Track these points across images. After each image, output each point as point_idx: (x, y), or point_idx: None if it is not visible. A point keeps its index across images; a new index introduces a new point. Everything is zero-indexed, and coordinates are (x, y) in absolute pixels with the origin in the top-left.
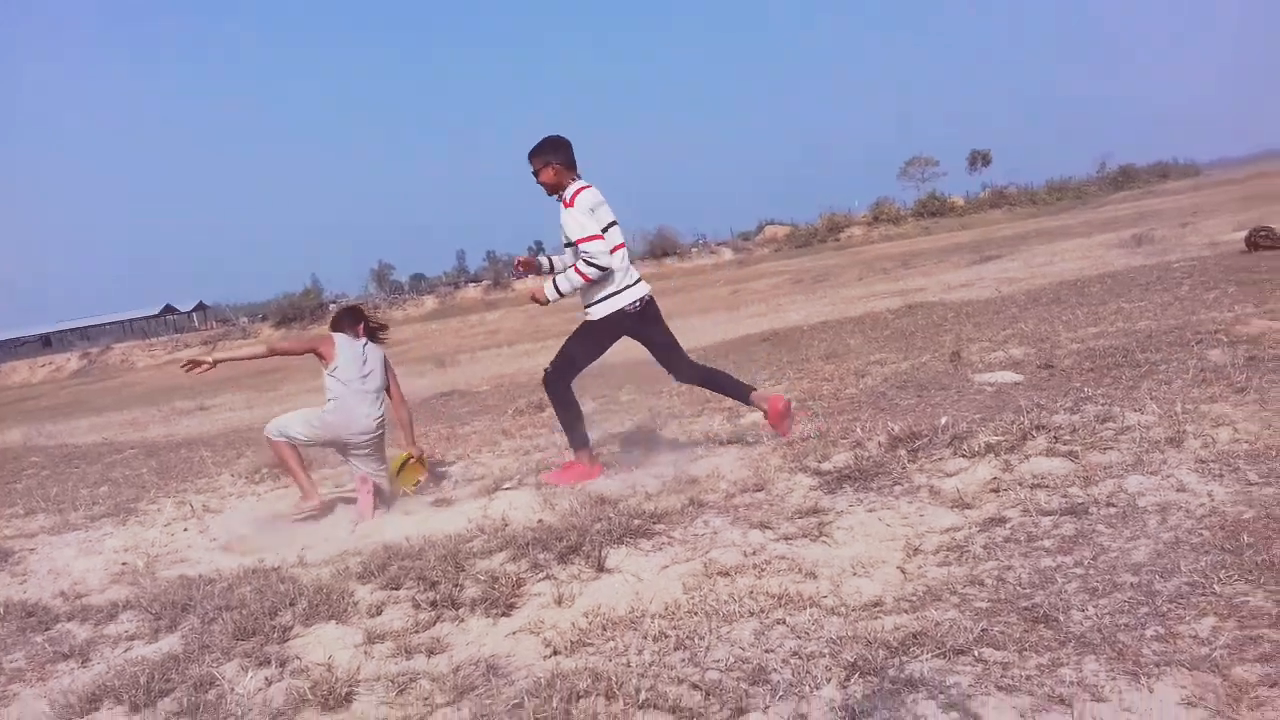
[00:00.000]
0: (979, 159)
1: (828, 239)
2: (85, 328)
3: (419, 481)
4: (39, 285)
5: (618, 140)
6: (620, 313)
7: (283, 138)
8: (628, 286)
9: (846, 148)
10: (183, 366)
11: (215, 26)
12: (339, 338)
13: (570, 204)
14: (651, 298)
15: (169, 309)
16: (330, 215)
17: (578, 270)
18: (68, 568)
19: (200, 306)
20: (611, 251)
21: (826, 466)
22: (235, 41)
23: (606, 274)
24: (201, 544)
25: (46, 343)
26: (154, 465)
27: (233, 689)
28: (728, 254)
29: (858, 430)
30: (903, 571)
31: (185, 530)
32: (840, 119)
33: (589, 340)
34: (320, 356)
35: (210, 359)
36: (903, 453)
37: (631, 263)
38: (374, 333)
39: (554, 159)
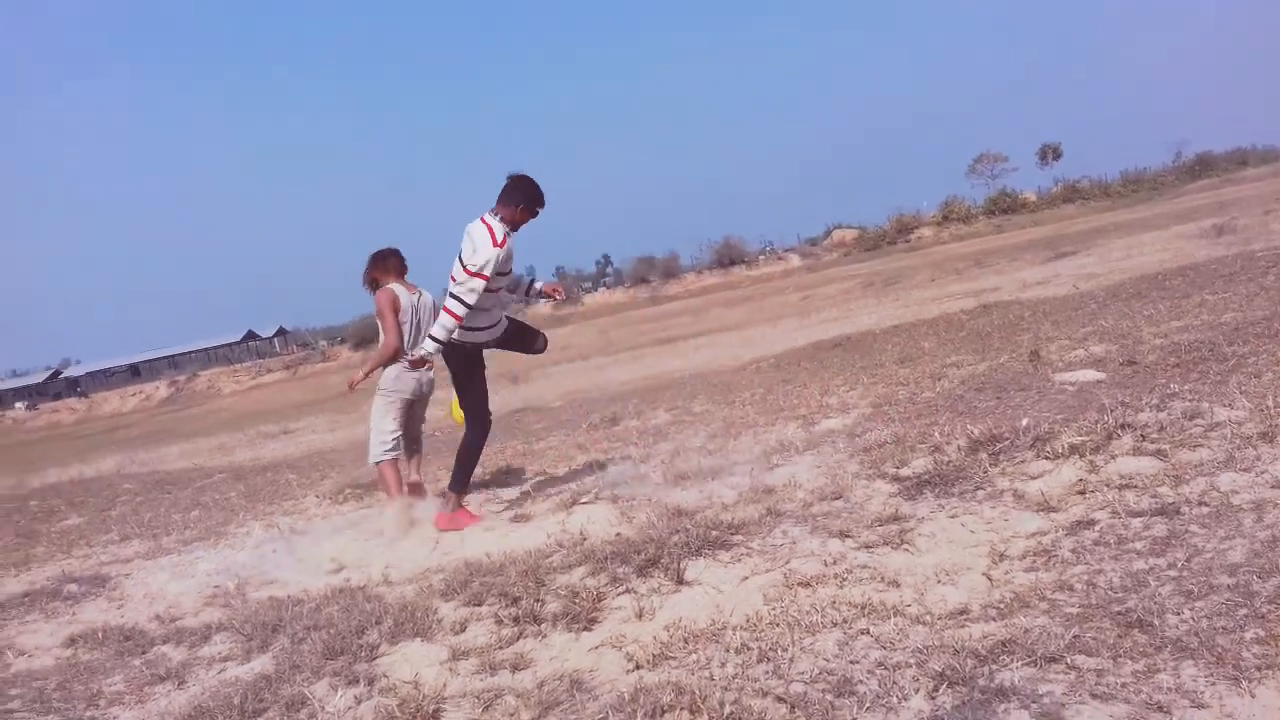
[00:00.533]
0: (1049, 153)
1: (897, 241)
2: (172, 356)
3: None
4: (126, 316)
5: (679, 148)
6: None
7: (351, 160)
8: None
9: (912, 147)
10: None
11: (292, 49)
12: (398, 291)
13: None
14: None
15: (251, 335)
16: (401, 237)
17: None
18: (162, 591)
19: (281, 331)
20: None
21: (905, 472)
22: (306, 68)
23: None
24: (289, 565)
25: (135, 372)
26: (242, 489)
27: (323, 708)
28: (795, 260)
29: (936, 434)
30: (989, 578)
31: (274, 552)
32: (905, 118)
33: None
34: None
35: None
36: (984, 456)
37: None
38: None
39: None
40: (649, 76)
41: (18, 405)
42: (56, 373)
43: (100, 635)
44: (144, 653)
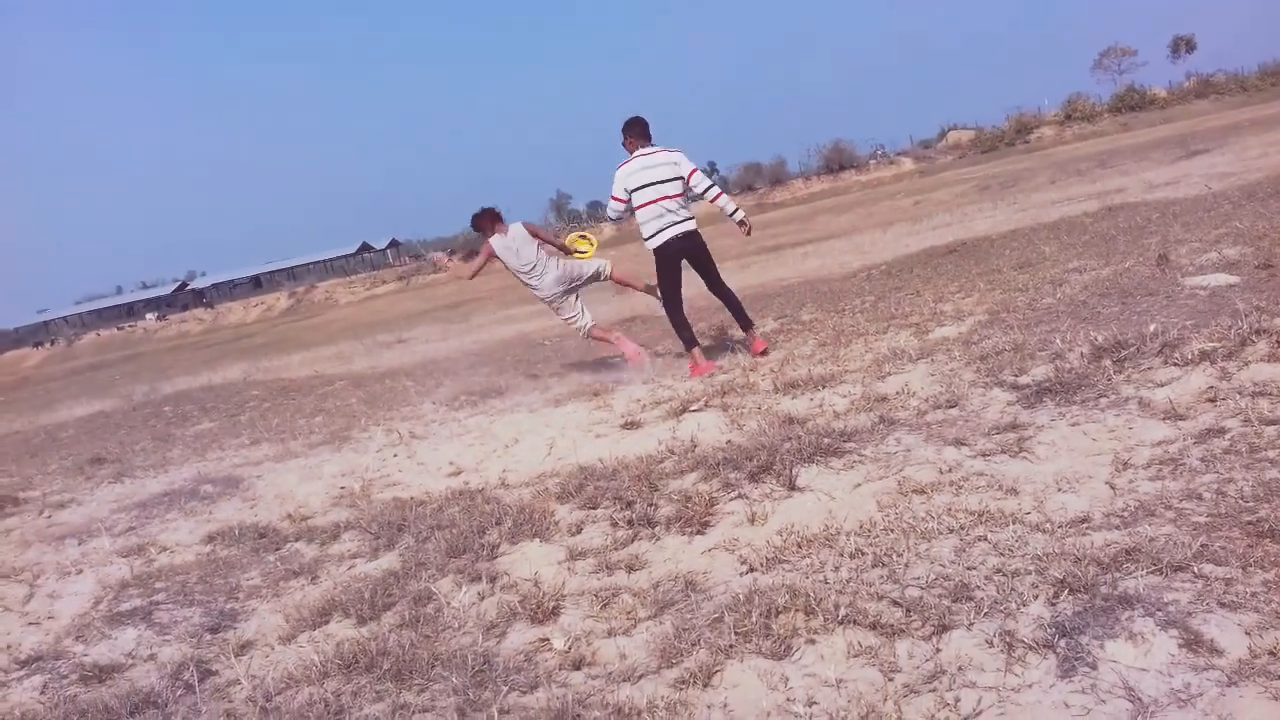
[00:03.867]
0: (1182, 45)
1: (1016, 142)
2: (291, 268)
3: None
4: (248, 230)
5: (788, 49)
6: (663, 246)
7: (459, 74)
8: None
9: (1034, 42)
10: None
11: None
12: (494, 242)
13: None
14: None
15: (365, 247)
16: (510, 148)
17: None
18: (292, 492)
19: (393, 243)
20: (637, 208)
21: (1024, 380)
22: None
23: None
24: (410, 468)
25: (257, 284)
26: (362, 395)
27: (449, 603)
28: (908, 163)
29: (1057, 341)
30: (1112, 486)
31: (395, 455)
32: (1026, 10)
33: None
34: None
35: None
36: (1107, 363)
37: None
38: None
39: (628, 135)
40: None
41: (148, 316)
42: (183, 285)
43: (236, 533)
44: (278, 549)
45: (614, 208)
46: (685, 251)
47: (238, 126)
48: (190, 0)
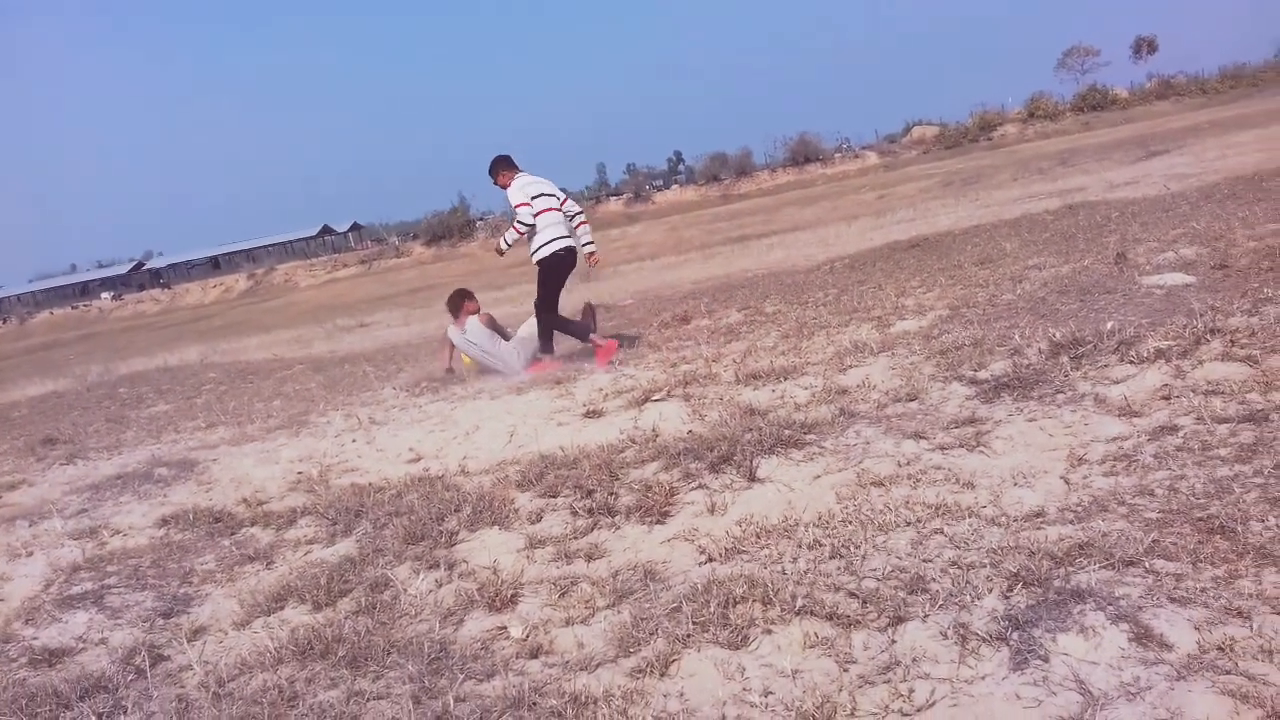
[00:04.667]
0: (1144, 46)
1: (979, 138)
2: (250, 249)
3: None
4: (207, 209)
5: (756, 41)
6: (554, 256)
7: (429, 59)
8: (552, 240)
9: (999, 40)
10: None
11: None
12: (451, 332)
13: (508, 187)
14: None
15: (326, 229)
16: (476, 134)
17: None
18: (248, 476)
19: (355, 227)
20: (536, 215)
21: (983, 375)
22: None
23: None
24: (369, 454)
25: (216, 265)
26: (321, 380)
27: (406, 590)
28: (873, 157)
29: (1016, 337)
30: (1066, 481)
31: (354, 441)
32: (991, 8)
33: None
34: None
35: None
36: (1065, 360)
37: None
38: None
39: (499, 169)
40: None
41: (103, 295)
42: (140, 264)
43: (191, 517)
44: (233, 534)
45: (524, 212)
46: (570, 264)
47: (198, 105)
48: None
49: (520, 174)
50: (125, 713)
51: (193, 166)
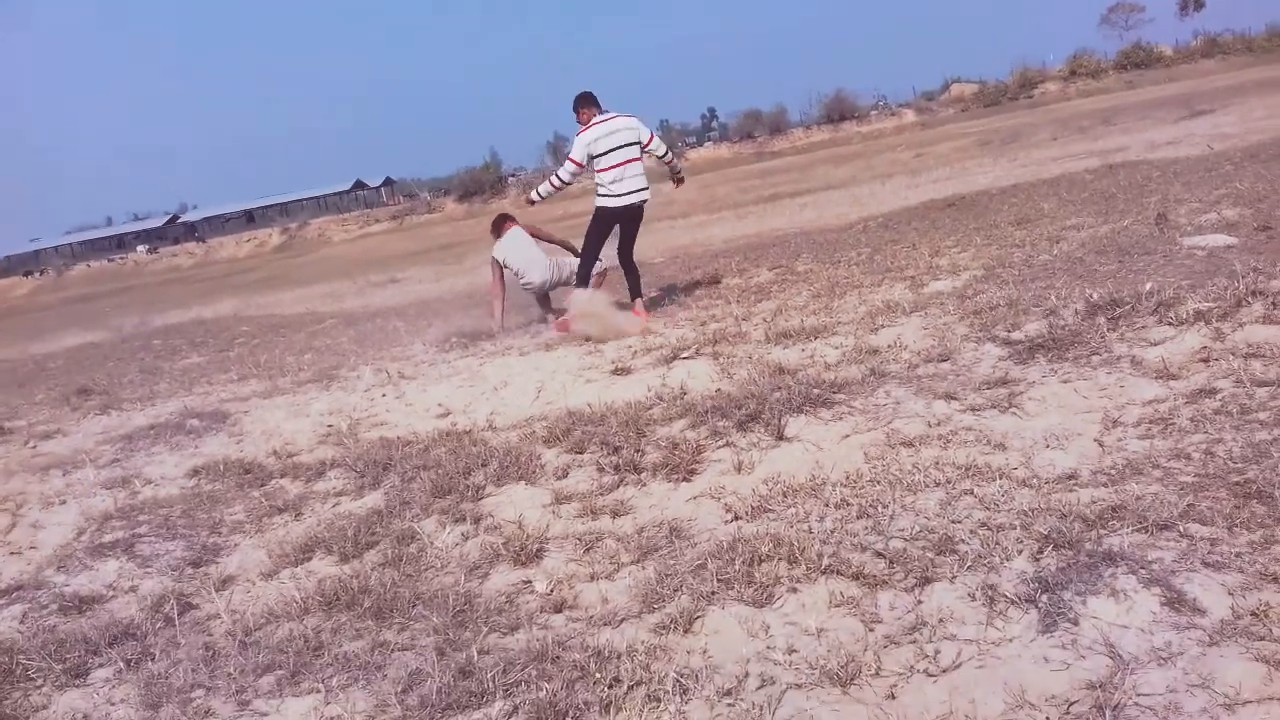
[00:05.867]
0: (1190, 3)
1: (1019, 96)
2: (284, 204)
3: None
4: (241, 163)
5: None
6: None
7: (455, 13)
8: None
9: None
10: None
11: None
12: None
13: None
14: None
15: (359, 184)
16: (507, 89)
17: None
18: (279, 429)
19: (388, 182)
20: (599, 171)
21: (1017, 336)
22: None
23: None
24: (398, 408)
25: (250, 218)
26: (352, 334)
27: (432, 543)
28: (910, 116)
29: (1051, 298)
30: (1100, 444)
31: (383, 395)
32: None
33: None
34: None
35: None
36: (1102, 321)
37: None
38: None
39: (582, 106)
40: None
41: (139, 248)
42: (175, 217)
43: (221, 468)
44: (263, 485)
45: (569, 169)
46: (631, 217)
47: (231, 58)
48: None
49: (597, 120)
50: (153, 660)
51: (228, 118)
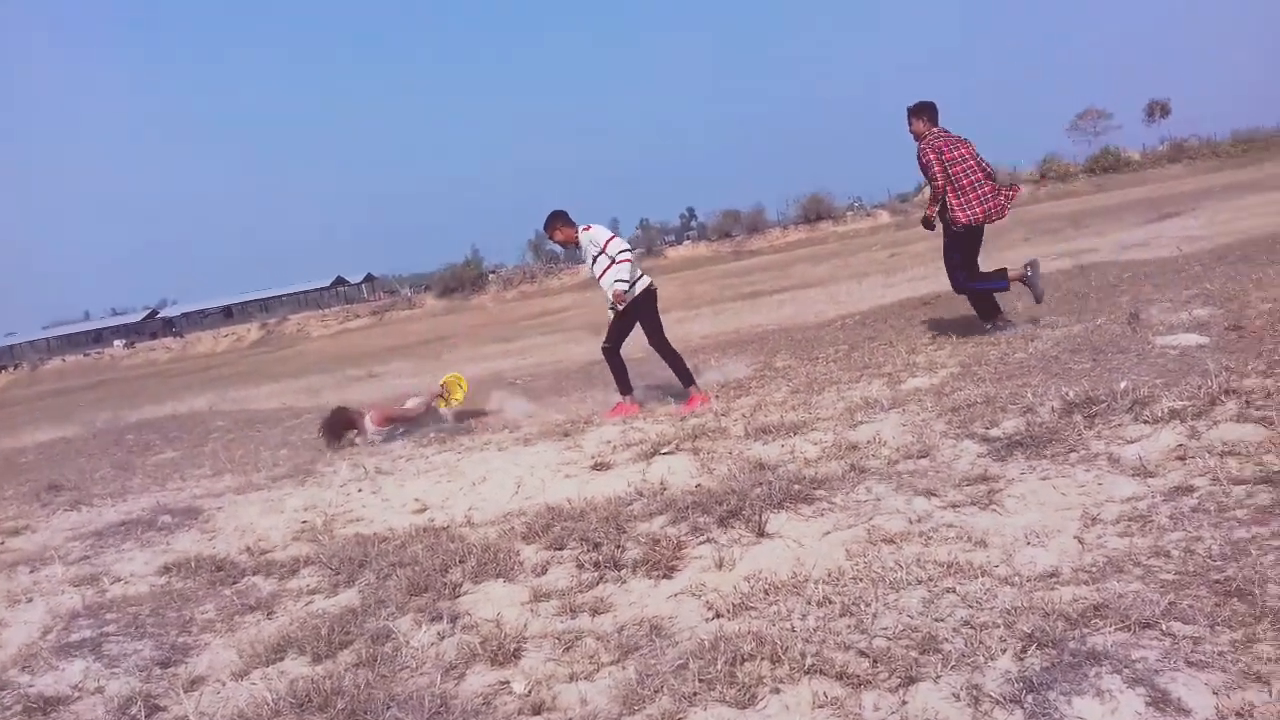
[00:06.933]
0: (1157, 110)
1: None
2: (264, 299)
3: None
4: (221, 259)
5: (768, 100)
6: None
7: (442, 116)
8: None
9: (1010, 102)
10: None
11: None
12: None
13: (588, 229)
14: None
15: (340, 280)
16: (488, 188)
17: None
18: (252, 525)
19: (369, 278)
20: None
21: (995, 433)
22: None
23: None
24: (375, 504)
25: (229, 314)
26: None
27: (408, 642)
28: (885, 216)
29: (1028, 395)
30: (1080, 541)
31: (360, 491)
32: (1004, 71)
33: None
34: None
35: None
36: (1078, 419)
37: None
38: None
39: (559, 224)
40: (733, 29)
41: (116, 343)
42: (154, 312)
43: (193, 565)
44: (235, 583)
45: (618, 244)
46: (649, 305)
47: (215, 156)
48: (169, 22)
49: (585, 226)
50: None
51: (210, 215)
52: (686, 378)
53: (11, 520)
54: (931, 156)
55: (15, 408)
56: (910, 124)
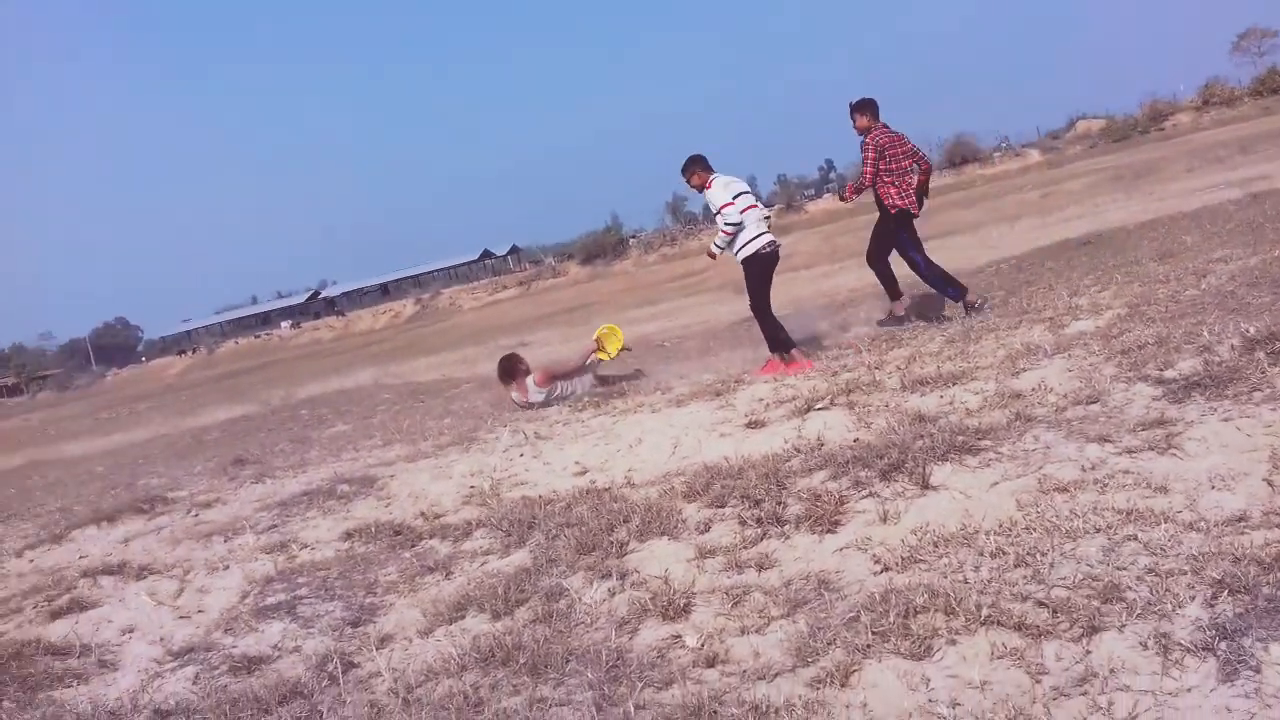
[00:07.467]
0: None
1: (1150, 129)
2: (417, 275)
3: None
4: (376, 239)
5: (908, 42)
6: (758, 254)
7: (574, 80)
8: (758, 236)
9: (1168, 24)
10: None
11: None
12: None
13: (709, 187)
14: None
15: (486, 253)
16: (626, 151)
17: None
18: (424, 491)
19: (514, 249)
20: (742, 212)
21: (1170, 374)
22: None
23: (739, 229)
24: (537, 468)
25: (385, 291)
26: (487, 398)
27: (580, 599)
28: (1035, 155)
29: (1204, 334)
30: (1270, 484)
31: (521, 455)
32: None
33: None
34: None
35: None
36: (1261, 356)
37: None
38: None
39: (696, 168)
40: None
41: (283, 324)
42: (316, 293)
43: (373, 530)
44: (413, 546)
45: (730, 213)
46: (774, 260)
47: (362, 140)
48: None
49: (715, 174)
50: (321, 718)
51: (364, 197)
52: (774, 344)
53: (204, 494)
54: (873, 155)
55: (197, 389)
56: (854, 120)
